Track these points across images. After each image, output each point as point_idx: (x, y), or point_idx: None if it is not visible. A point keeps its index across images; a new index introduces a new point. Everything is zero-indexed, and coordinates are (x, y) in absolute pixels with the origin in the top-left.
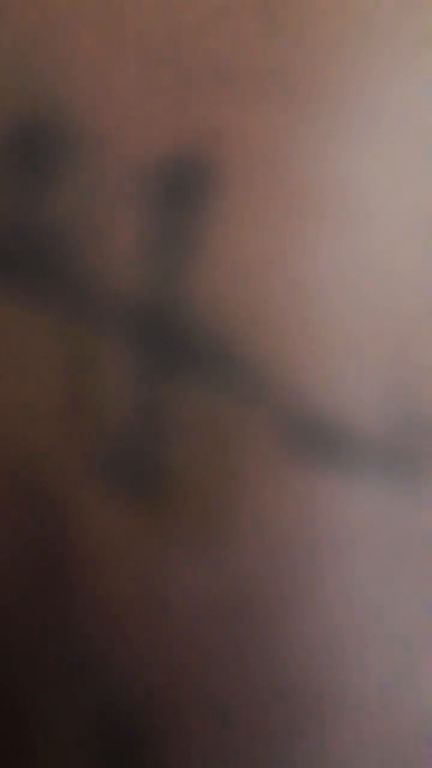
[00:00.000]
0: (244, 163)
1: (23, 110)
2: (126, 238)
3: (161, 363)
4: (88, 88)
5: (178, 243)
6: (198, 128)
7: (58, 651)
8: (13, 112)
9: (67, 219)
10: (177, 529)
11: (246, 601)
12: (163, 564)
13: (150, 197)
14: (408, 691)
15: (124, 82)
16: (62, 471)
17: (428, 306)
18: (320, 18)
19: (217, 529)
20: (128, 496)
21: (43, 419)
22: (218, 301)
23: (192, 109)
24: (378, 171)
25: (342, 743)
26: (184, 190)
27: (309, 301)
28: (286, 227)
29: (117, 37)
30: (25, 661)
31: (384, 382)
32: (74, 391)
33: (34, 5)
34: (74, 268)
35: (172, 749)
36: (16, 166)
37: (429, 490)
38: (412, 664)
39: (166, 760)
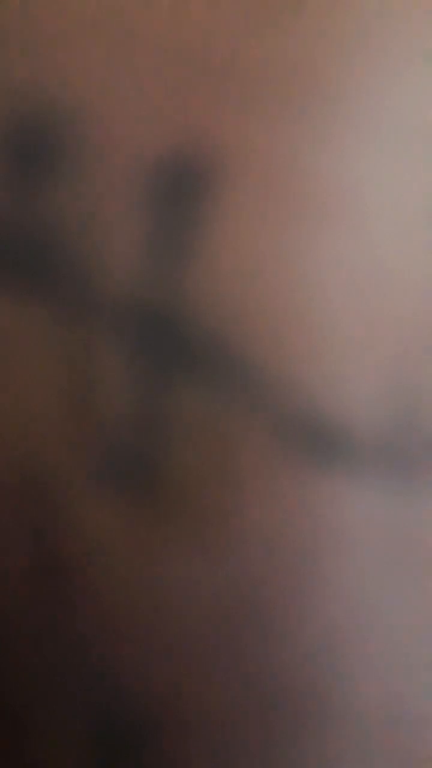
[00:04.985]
0: (243, 164)
1: (22, 111)
2: (125, 238)
3: (160, 363)
4: (87, 89)
5: (177, 243)
6: (197, 128)
7: (57, 652)
8: (12, 113)
9: (66, 219)
10: (176, 530)
11: (246, 602)
12: (163, 565)
13: (149, 197)
14: (408, 692)
15: (123, 83)
16: (62, 472)
17: (428, 307)
18: (319, 19)
19: (216, 529)
20: (127, 498)
21: (42, 420)
22: (217, 301)
23: (191, 109)
24: (377, 171)
25: (343, 744)
26: (183, 190)
27: (308, 302)
28: (285, 228)
29: (116, 38)
30: (24, 663)
31: (383, 383)
32: (73, 393)
33: (33, 8)
34: (74, 268)
35: (173, 750)
36: (15, 167)
37: (428, 491)
38: (412, 664)
39: (167, 761)
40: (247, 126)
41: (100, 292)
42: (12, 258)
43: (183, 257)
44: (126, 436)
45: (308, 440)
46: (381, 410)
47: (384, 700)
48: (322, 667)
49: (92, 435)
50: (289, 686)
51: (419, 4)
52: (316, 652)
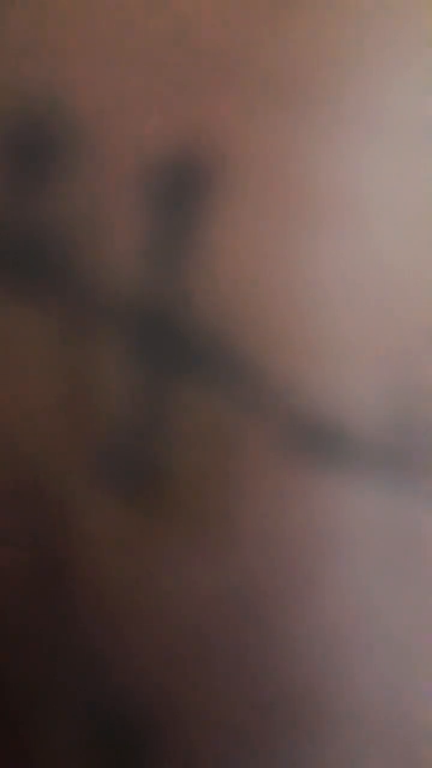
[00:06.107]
0: (244, 164)
1: (22, 111)
2: (126, 239)
3: (161, 364)
4: (87, 88)
5: (177, 244)
6: (198, 129)
7: (58, 651)
8: (12, 114)
9: (67, 220)
10: (177, 530)
11: (246, 602)
12: (164, 565)
13: (150, 198)
14: (408, 692)
15: (123, 83)
16: (62, 472)
17: (428, 307)
18: (320, 19)
19: (217, 530)
20: (129, 498)
21: (43, 420)
22: (218, 301)
23: (191, 109)
24: (377, 172)
25: (342, 744)
26: (183, 190)
27: (309, 303)
28: (285, 228)
29: (116, 38)
30: (24, 663)
31: (383, 382)
32: (74, 393)
33: (33, 7)
34: (75, 269)
35: (173, 750)
36: (15, 167)
37: (427, 491)
38: (412, 664)
39: (167, 761)
40: (248, 126)
41: (101, 292)
42: (12, 258)
43: (183, 257)
44: (126, 436)
45: (308, 440)
46: (381, 410)
47: (384, 700)
48: (322, 667)
49: (93, 435)
50: (289, 686)
51: (418, 4)
52: (316, 652)
